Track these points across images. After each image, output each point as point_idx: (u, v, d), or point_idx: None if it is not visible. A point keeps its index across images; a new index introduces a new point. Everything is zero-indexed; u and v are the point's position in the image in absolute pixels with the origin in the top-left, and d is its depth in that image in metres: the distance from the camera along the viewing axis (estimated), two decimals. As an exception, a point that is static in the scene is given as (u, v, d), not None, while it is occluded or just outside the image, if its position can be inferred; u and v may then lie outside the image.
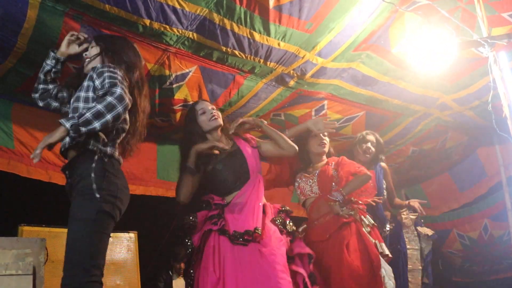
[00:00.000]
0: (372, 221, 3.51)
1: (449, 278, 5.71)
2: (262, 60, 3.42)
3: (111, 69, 2.41)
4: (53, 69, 2.74)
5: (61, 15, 2.73)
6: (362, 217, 3.46)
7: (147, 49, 3.11)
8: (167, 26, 2.94)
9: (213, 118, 3.15)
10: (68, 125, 2.21)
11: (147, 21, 2.86)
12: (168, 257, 6.07)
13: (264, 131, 3.35)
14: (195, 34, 3.07)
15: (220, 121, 3.19)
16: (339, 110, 4.36)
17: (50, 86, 2.76)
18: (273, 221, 2.97)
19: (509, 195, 4.95)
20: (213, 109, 3.22)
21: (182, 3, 2.82)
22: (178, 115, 3.83)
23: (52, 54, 2.72)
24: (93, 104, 2.28)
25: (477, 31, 3.18)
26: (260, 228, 2.81)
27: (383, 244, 3.46)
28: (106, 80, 2.35)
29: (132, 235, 4.35)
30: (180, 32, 3.02)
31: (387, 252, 3.44)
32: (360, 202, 3.57)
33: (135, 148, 2.65)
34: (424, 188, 6.02)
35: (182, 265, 5.62)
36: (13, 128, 3.63)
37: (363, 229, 3.37)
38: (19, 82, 3.35)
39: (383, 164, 4.25)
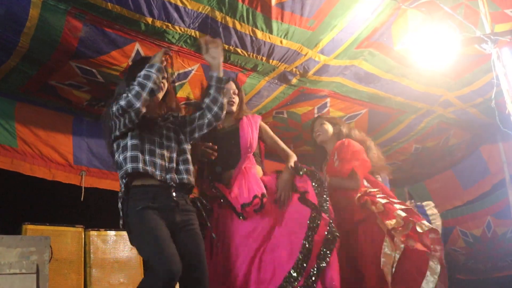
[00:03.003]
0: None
1: (453, 275, 5.70)
2: (264, 58, 3.42)
3: None
4: None
5: (64, 14, 2.74)
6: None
7: (149, 47, 3.11)
8: (170, 24, 2.94)
9: (230, 102, 3.12)
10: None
11: (150, 19, 2.86)
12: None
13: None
14: (197, 32, 3.07)
15: (234, 108, 3.14)
16: (342, 107, 4.35)
17: None
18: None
19: (512, 192, 4.94)
20: (235, 93, 3.18)
21: (184, 1, 2.82)
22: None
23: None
24: None
25: (480, 28, 3.17)
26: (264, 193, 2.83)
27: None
28: None
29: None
30: (183, 30, 3.02)
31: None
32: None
33: None
34: (427, 186, 6.00)
35: None
36: (16, 127, 3.64)
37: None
38: (22, 81, 3.36)
39: None
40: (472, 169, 5.53)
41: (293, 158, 3.12)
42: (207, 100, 2.59)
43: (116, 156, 2.47)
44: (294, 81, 3.79)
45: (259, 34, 3.16)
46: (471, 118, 4.77)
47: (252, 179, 2.93)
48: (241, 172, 2.96)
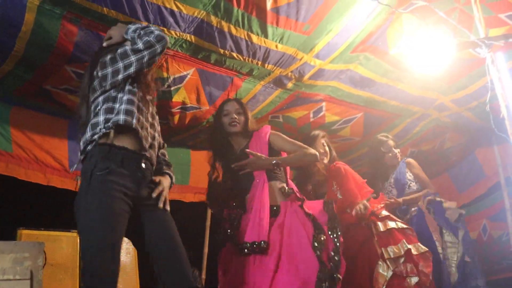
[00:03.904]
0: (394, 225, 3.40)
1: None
2: (260, 62, 3.42)
3: None
4: None
5: (59, 18, 2.73)
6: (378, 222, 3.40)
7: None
8: (165, 29, 2.94)
9: (232, 123, 3.10)
10: None
11: (145, 24, 2.86)
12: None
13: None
14: (192, 37, 3.07)
15: (238, 128, 3.10)
16: (338, 111, 4.36)
17: None
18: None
19: (507, 196, 4.94)
20: (238, 113, 3.14)
21: (179, 5, 2.83)
22: (176, 117, 3.83)
23: None
24: None
25: (474, 32, 3.19)
26: (266, 242, 2.71)
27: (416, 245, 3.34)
28: None
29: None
30: (178, 34, 3.02)
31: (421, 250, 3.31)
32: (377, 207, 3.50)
33: None
34: (423, 189, 6.00)
35: None
36: (11, 132, 3.63)
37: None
38: (18, 86, 3.35)
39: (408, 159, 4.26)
40: (467, 172, 5.54)
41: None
42: (167, 158, 2.66)
43: (101, 106, 2.34)
44: (289, 85, 3.79)
45: (254, 38, 3.17)
46: (466, 121, 4.78)
47: (262, 217, 2.81)
48: (255, 201, 2.86)
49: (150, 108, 2.50)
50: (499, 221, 5.15)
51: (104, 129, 2.26)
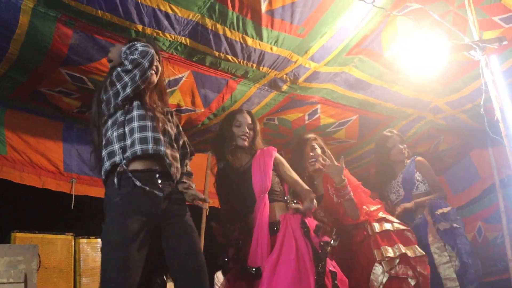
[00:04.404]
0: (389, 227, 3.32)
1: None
2: (255, 65, 3.42)
3: None
4: None
5: (54, 21, 2.73)
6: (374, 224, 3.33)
7: (140, 55, 3.11)
8: (160, 32, 2.94)
9: (242, 137, 3.04)
10: None
11: (140, 27, 2.87)
12: (163, 262, 6.04)
13: None
14: (187, 39, 3.08)
15: (246, 143, 3.04)
16: (332, 114, 4.36)
17: None
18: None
19: (502, 197, 4.94)
20: (250, 128, 3.08)
21: (174, 8, 2.83)
22: (172, 120, 3.83)
23: None
24: None
25: (468, 35, 3.20)
26: (261, 268, 2.66)
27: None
28: None
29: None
30: (173, 37, 3.02)
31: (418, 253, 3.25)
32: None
33: None
34: (418, 191, 6.00)
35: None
36: (6, 134, 3.62)
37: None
38: (12, 88, 3.34)
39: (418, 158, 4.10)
40: (462, 174, 5.55)
41: (310, 196, 2.87)
42: (187, 169, 2.72)
43: (111, 131, 2.43)
44: (284, 87, 3.80)
45: (249, 41, 3.17)
46: (460, 124, 4.79)
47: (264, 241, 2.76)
48: (257, 226, 2.79)
49: (160, 124, 2.51)
50: (494, 223, 5.16)
51: (124, 161, 2.36)
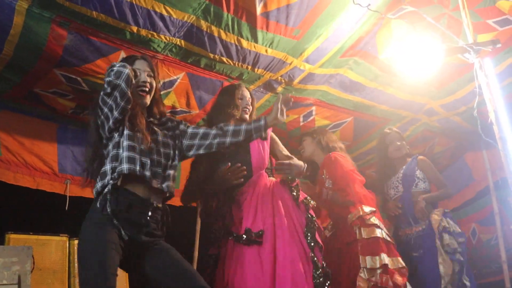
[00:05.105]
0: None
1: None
2: (249, 67, 3.43)
3: None
4: None
5: (48, 22, 2.72)
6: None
7: (134, 56, 3.10)
8: (155, 33, 2.94)
9: (245, 109, 3.08)
10: None
11: (135, 28, 2.86)
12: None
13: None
14: (182, 41, 3.08)
15: (247, 117, 3.09)
16: (327, 116, 4.37)
17: None
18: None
19: (496, 200, 4.97)
20: (251, 103, 3.14)
21: (169, 10, 2.83)
22: (166, 121, 3.83)
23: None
24: None
25: (462, 38, 3.22)
26: (263, 230, 2.72)
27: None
28: None
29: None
30: (168, 39, 3.02)
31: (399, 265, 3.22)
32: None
33: None
34: (412, 193, 6.01)
35: None
36: (0, 135, 3.61)
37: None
38: (6, 89, 3.33)
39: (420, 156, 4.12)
40: (456, 176, 5.55)
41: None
42: (230, 127, 2.57)
43: (109, 153, 2.38)
44: (279, 89, 3.81)
45: (244, 43, 3.18)
46: (455, 126, 4.81)
47: (265, 204, 2.83)
48: (255, 193, 2.87)
49: (150, 145, 2.43)
50: (488, 225, 5.18)
51: (111, 181, 2.29)
